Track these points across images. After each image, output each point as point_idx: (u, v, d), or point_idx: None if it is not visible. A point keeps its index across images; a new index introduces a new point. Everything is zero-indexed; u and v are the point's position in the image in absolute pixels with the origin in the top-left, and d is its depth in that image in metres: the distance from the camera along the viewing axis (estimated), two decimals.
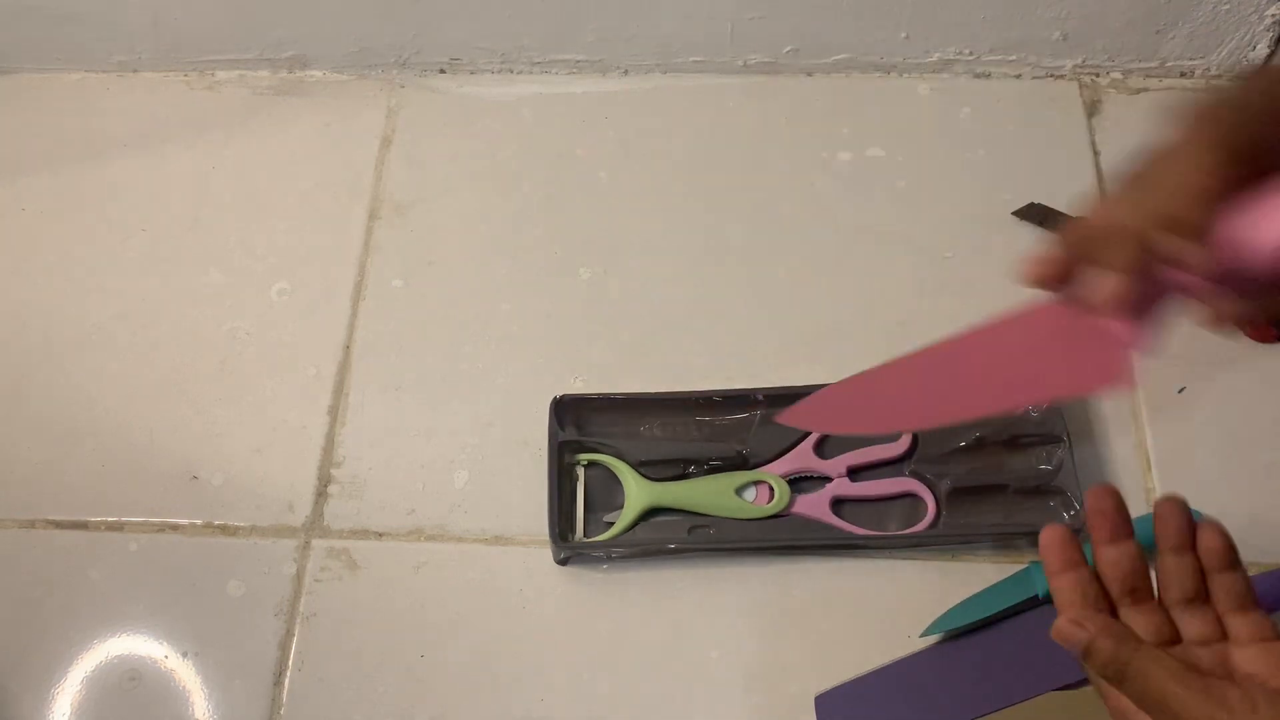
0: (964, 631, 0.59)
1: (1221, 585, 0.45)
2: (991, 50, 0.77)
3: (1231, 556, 0.45)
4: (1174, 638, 0.44)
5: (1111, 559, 0.45)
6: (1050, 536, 0.46)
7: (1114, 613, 0.45)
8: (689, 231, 0.73)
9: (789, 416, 0.48)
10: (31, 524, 0.65)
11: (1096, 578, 0.45)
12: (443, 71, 0.81)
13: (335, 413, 0.68)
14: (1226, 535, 0.46)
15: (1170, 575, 0.45)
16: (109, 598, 0.63)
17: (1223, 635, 0.44)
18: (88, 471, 0.67)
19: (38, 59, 0.82)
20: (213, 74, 0.82)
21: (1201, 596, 0.45)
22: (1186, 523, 0.46)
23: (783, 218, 0.73)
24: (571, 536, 0.62)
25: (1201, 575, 0.45)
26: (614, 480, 0.64)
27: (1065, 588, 0.45)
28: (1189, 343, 0.67)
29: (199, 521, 0.65)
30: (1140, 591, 0.45)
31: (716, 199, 0.74)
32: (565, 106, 0.79)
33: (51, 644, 0.61)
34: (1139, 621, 0.44)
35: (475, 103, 0.80)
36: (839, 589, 0.61)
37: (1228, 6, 0.73)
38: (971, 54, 0.77)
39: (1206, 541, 0.45)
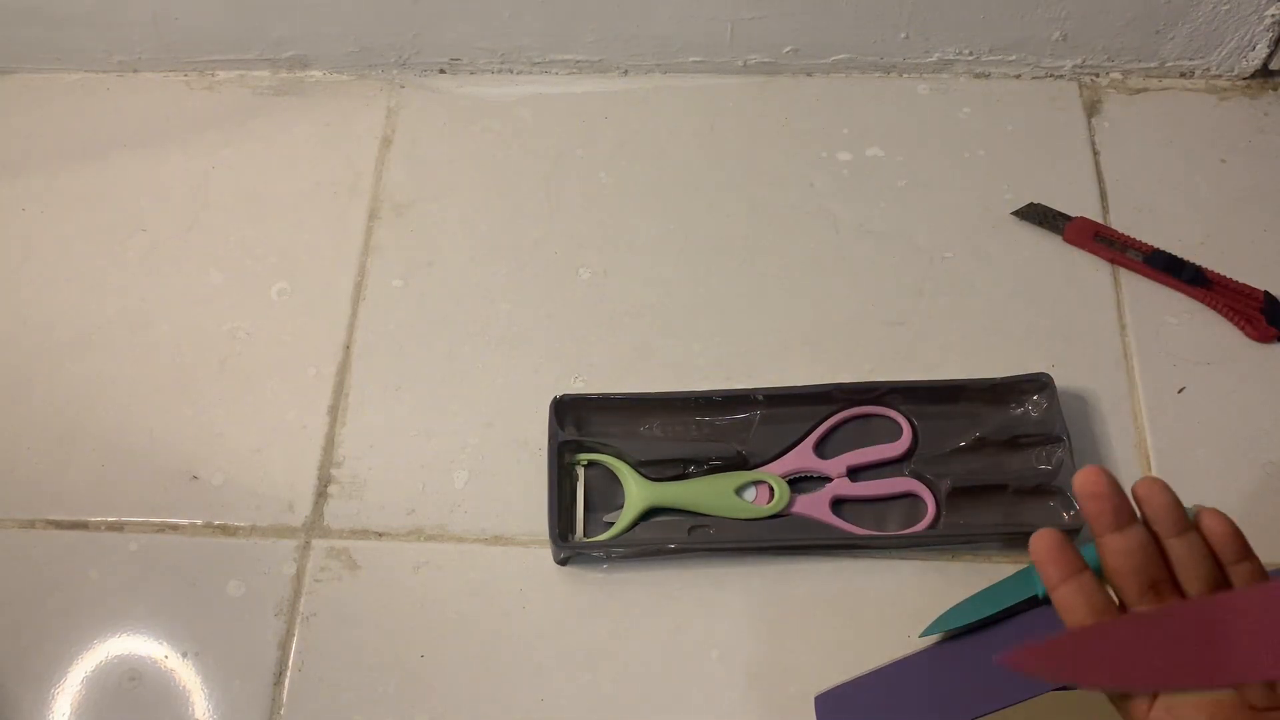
0: (964, 631, 0.59)
1: (1240, 578, 0.41)
2: (991, 50, 0.77)
3: (1242, 543, 0.42)
4: None
5: (1120, 548, 0.41)
6: (1042, 543, 0.42)
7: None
8: (689, 231, 0.73)
9: (1020, 660, 0.41)
10: (31, 524, 0.65)
11: (1100, 583, 0.42)
12: (443, 71, 0.81)
13: (335, 413, 0.68)
14: (1230, 520, 0.42)
15: (1183, 561, 0.41)
16: (109, 598, 0.63)
17: None
18: (88, 471, 0.67)
19: (38, 59, 0.82)
20: (213, 74, 0.82)
21: (1225, 585, 0.41)
22: (1174, 500, 0.42)
23: (782, 218, 0.73)
24: (571, 536, 0.62)
25: (1217, 561, 0.41)
26: (614, 480, 0.64)
27: (1070, 600, 0.41)
28: (1189, 343, 0.67)
29: (199, 521, 0.65)
30: (1161, 585, 0.41)
31: (716, 199, 0.75)
32: (565, 106, 0.79)
33: (51, 644, 0.61)
34: None
35: (475, 103, 0.80)
36: (839, 589, 0.61)
37: (1227, 6, 0.73)
38: (971, 54, 0.77)
39: (1211, 526, 0.42)
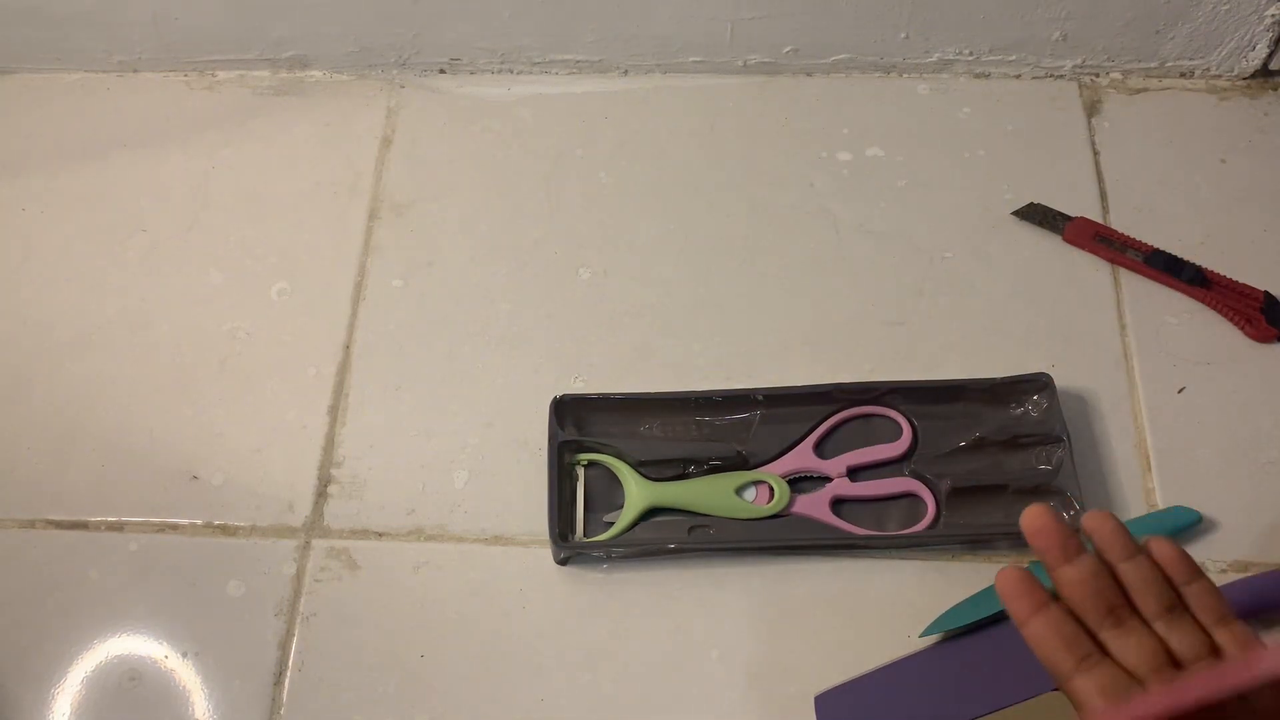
0: (964, 631, 0.59)
1: (1194, 597, 0.43)
2: (991, 50, 0.77)
3: (1190, 565, 0.44)
4: (1170, 660, 0.42)
5: (1073, 579, 0.43)
6: (1007, 581, 0.44)
7: (1098, 643, 0.43)
8: (689, 232, 0.73)
9: None
10: (31, 524, 0.65)
11: (1068, 613, 0.43)
12: (443, 71, 0.81)
13: (335, 413, 0.68)
14: (1175, 545, 0.44)
15: (1137, 585, 0.43)
16: (109, 598, 0.63)
17: (1214, 649, 0.42)
18: (88, 471, 0.67)
19: (38, 59, 0.82)
20: (213, 74, 0.82)
21: (1180, 605, 0.43)
22: (1120, 527, 0.44)
23: (782, 218, 0.73)
24: (571, 536, 0.62)
25: (1170, 582, 0.43)
26: (614, 480, 0.64)
27: (1040, 633, 0.43)
28: (1189, 343, 0.67)
29: (199, 521, 0.65)
30: (1119, 609, 0.43)
31: (716, 199, 0.75)
32: (565, 106, 0.79)
33: (51, 644, 0.61)
34: (1130, 646, 0.42)
35: (475, 103, 0.80)
36: (839, 589, 0.61)
37: (1227, 6, 0.73)
38: (971, 54, 0.77)
39: (1159, 551, 0.44)
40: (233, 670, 0.60)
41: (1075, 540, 0.44)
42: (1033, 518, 0.44)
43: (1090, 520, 0.45)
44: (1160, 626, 0.43)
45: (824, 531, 0.62)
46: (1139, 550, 0.44)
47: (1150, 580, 0.43)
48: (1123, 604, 0.43)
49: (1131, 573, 0.44)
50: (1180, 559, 0.44)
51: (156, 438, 0.67)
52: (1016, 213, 0.72)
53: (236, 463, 0.66)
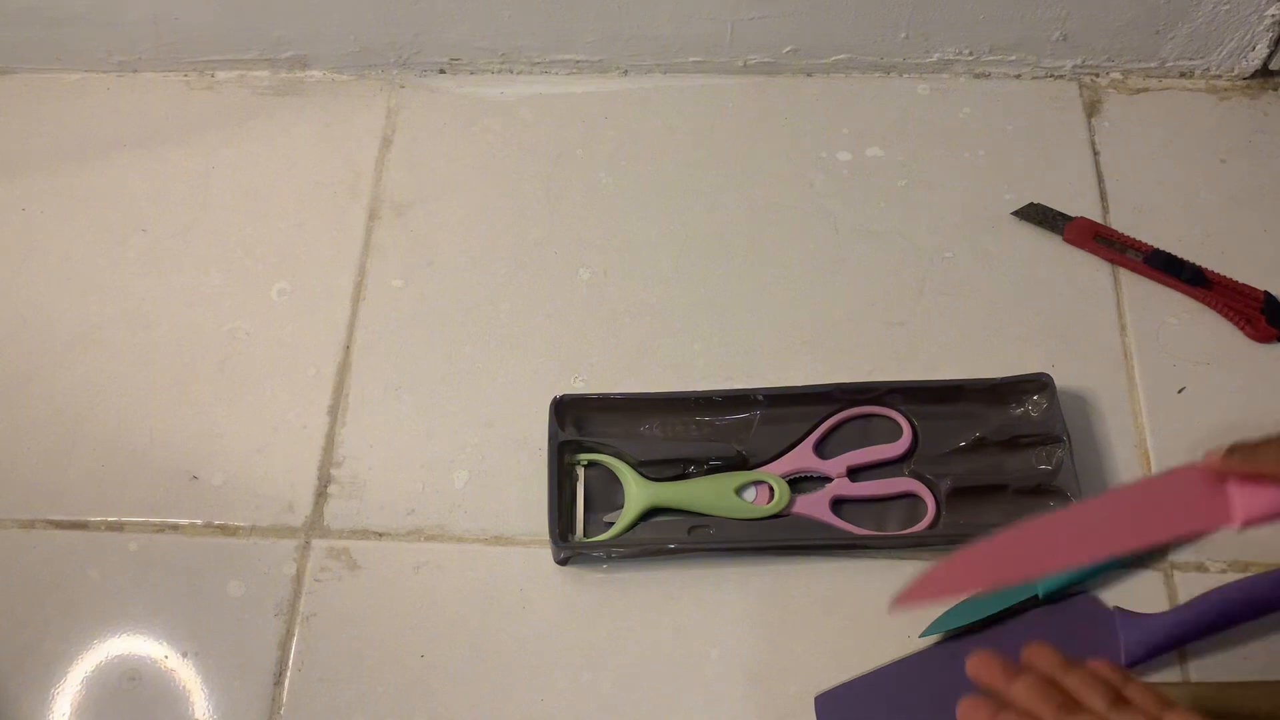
0: (964, 631, 0.59)
1: (1135, 693, 0.44)
2: (991, 50, 0.77)
3: (1121, 672, 0.45)
4: None
5: (1022, 685, 0.44)
6: (978, 668, 0.46)
7: None
8: (689, 231, 0.73)
9: (920, 590, 0.47)
10: (31, 524, 0.65)
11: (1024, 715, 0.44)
12: (443, 71, 0.81)
13: (335, 413, 0.68)
14: (1106, 661, 0.46)
15: (1081, 688, 0.44)
16: (109, 598, 0.63)
17: None
18: (88, 471, 0.67)
19: (38, 59, 0.82)
20: (213, 74, 0.82)
21: (1124, 699, 0.44)
22: (1053, 649, 0.46)
23: (782, 218, 0.73)
24: (571, 536, 0.62)
25: (1108, 682, 0.45)
26: (614, 480, 0.64)
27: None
28: (1189, 343, 0.67)
29: (199, 521, 0.65)
30: (1071, 703, 0.44)
31: (716, 199, 0.75)
32: (565, 106, 0.79)
33: (51, 644, 0.61)
34: None
35: (475, 103, 0.80)
36: (839, 589, 0.61)
37: (1227, 7, 0.73)
38: (971, 54, 0.77)
39: (1094, 666, 0.46)
40: (233, 670, 0.60)
41: (1013, 664, 0.46)
42: (972, 666, 0.46)
43: (1028, 652, 0.46)
44: (1113, 716, 0.44)
45: (824, 531, 0.62)
46: (1077, 663, 0.46)
47: (1094, 680, 0.45)
48: (1074, 701, 0.44)
49: (1074, 678, 0.45)
50: (1113, 669, 0.45)
51: (156, 438, 0.67)
52: (1016, 213, 0.72)
53: (236, 463, 0.66)
